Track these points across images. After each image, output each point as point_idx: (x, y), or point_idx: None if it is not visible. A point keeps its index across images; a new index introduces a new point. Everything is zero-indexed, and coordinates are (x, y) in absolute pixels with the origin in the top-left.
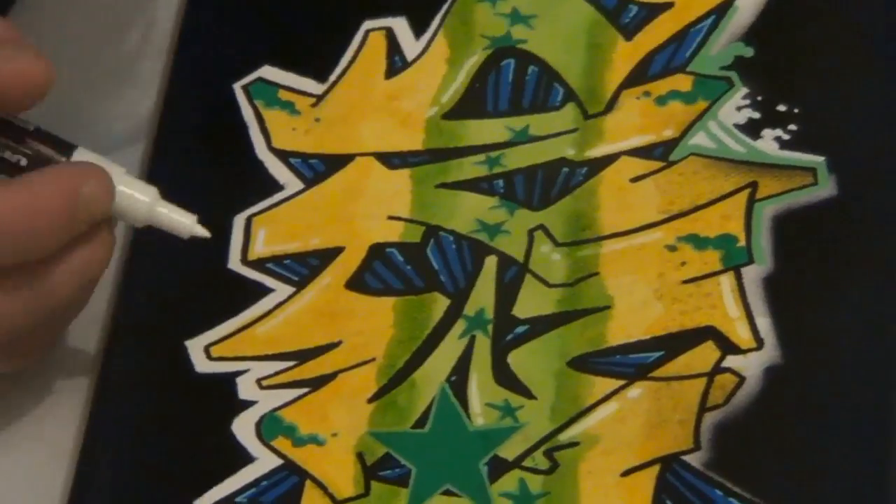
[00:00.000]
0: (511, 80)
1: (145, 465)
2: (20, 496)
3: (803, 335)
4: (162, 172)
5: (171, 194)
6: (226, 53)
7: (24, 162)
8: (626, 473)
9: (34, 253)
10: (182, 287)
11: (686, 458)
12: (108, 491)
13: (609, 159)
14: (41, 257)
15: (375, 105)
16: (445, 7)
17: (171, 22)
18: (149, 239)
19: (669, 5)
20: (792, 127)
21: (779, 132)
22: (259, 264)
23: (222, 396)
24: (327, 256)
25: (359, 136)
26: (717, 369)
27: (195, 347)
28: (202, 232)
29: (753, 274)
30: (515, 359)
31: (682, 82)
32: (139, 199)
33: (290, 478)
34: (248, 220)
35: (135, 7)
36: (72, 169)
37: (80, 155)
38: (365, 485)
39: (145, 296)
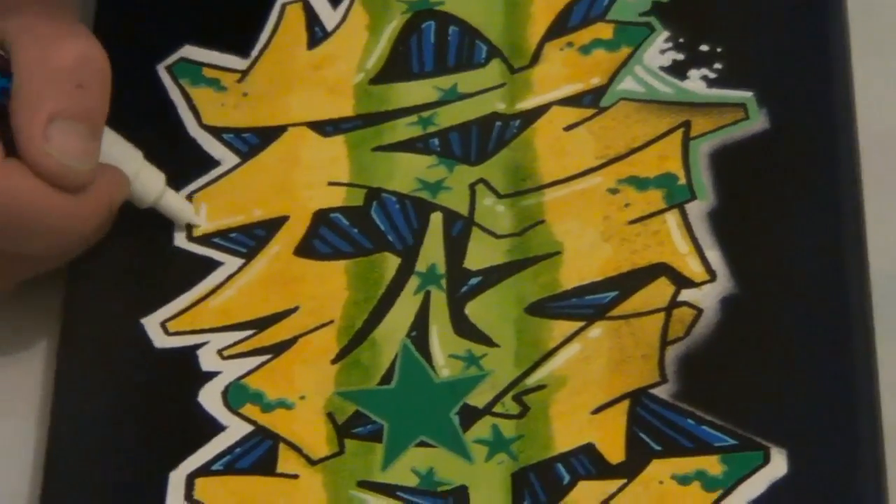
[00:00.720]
0: (433, 42)
1: (116, 445)
2: None
3: (754, 264)
4: None
5: None
6: (144, 36)
7: None
8: (597, 411)
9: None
10: (131, 267)
11: (654, 391)
12: (80, 474)
13: (540, 110)
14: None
15: (301, 76)
16: None
17: (87, 10)
18: None
19: None
20: (717, 65)
21: (704, 71)
22: (205, 239)
23: (185, 369)
24: (273, 226)
25: (288, 108)
26: (674, 304)
27: (151, 324)
28: (200, 221)
29: (697, 209)
30: (473, 309)
31: (604, 30)
32: (151, 186)
33: (264, 442)
34: (189, 197)
35: None
36: (114, 184)
37: (106, 134)
38: (339, 443)
39: (96, 278)
